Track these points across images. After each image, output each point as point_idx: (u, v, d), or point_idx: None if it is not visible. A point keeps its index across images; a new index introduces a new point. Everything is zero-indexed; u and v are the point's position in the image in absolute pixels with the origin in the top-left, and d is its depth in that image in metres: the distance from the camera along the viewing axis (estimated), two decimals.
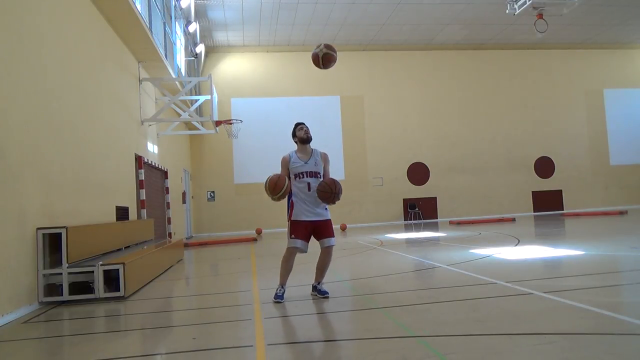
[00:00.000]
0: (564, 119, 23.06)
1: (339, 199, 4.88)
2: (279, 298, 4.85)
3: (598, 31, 21.41)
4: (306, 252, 4.95)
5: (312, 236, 5.01)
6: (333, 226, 5.14)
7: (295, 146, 5.17)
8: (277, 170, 5.11)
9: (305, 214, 4.93)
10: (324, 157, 5.16)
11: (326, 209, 5.06)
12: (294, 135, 5.16)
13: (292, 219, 4.98)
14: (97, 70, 8.30)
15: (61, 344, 4.11)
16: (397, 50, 21.90)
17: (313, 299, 4.96)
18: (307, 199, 4.94)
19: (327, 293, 4.98)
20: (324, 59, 5.13)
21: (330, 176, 5.08)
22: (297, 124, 5.19)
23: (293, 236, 4.91)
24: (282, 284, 4.97)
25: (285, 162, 5.06)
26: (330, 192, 4.79)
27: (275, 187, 4.80)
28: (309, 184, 4.95)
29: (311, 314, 4.44)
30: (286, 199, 5.04)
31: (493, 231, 13.12)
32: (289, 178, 5.00)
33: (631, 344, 3.12)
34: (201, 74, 19.53)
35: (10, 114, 5.12)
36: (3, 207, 4.85)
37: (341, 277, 6.57)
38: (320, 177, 5.04)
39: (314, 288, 5.10)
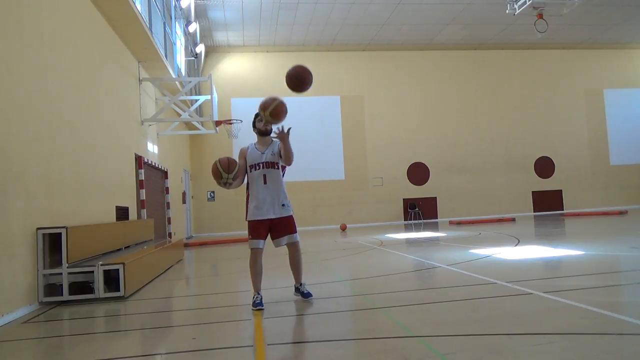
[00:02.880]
0: (564, 119, 23.06)
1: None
2: (258, 306, 4.52)
3: (598, 31, 21.41)
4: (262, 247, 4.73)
5: (269, 235, 4.75)
6: (295, 223, 4.85)
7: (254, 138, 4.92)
8: None
9: (261, 213, 4.66)
10: None
11: (284, 205, 4.73)
12: (253, 126, 4.85)
13: (248, 219, 4.70)
14: (97, 70, 8.30)
15: (61, 344, 4.11)
16: (397, 50, 21.90)
17: (296, 300, 4.86)
18: (263, 193, 4.66)
19: (310, 295, 4.80)
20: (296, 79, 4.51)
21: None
22: (257, 115, 4.78)
23: (251, 237, 4.69)
24: (257, 290, 4.65)
25: (243, 153, 4.82)
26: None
27: (229, 165, 4.52)
28: (265, 175, 4.67)
29: (311, 314, 4.43)
30: (245, 198, 4.81)
31: (493, 231, 13.12)
32: (246, 171, 4.76)
33: (631, 344, 3.11)
34: (201, 74, 19.54)
35: (10, 114, 5.12)
36: (3, 207, 4.84)
37: (341, 277, 6.57)
38: (278, 169, 4.74)
39: (297, 290, 4.93)
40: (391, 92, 21.88)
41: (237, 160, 4.73)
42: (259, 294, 4.67)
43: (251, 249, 4.74)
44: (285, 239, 4.79)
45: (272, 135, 4.70)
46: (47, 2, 6.39)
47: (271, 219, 4.70)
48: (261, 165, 4.71)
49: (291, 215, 4.81)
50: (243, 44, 20.44)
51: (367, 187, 21.33)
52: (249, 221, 4.74)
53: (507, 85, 22.74)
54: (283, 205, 4.74)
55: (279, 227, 4.75)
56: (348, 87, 21.57)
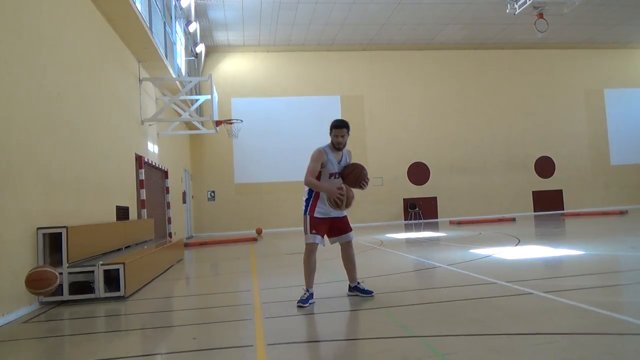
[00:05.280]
0: (564, 119, 23.05)
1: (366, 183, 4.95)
2: (304, 302, 4.59)
3: (598, 31, 21.40)
4: (324, 245, 4.90)
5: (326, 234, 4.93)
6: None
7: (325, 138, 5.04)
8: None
9: (329, 212, 4.84)
10: (350, 155, 5.14)
11: None
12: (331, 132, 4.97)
13: (315, 215, 4.81)
14: (97, 70, 8.30)
15: (61, 344, 4.11)
16: (397, 50, 21.89)
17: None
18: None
19: (371, 292, 4.88)
20: None
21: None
22: (340, 125, 4.93)
23: (314, 231, 4.77)
24: (308, 287, 4.73)
25: (322, 157, 4.86)
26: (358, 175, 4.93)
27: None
28: (340, 182, 4.92)
29: (311, 314, 4.43)
30: (307, 191, 4.90)
31: (493, 231, 13.12)
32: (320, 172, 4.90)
33: (631, 344, 3.12)
34: (201, 74, 19.54)
35: (10, 114, 5.12)
36: (4, 207, 4.85)
37: (341, 277, 6.56)
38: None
39: (355, 288, 4.96)
40: (391, 92, 21.88)
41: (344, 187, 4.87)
42: (308, 291, 4.74)
43: (309, 243, 4.80)
44: (345, 237, 4.97)
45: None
46: (47, 2, 6.39)
47: (333, 218, 4.92)
48: (337, 174, 4.97)
49: (346, 216, 5.09)
50: (243, 43, 20.43)
51: (367, 187, 21.27)
52: (314, 217, 4.82)
53: (507, 85, 22.73)
54: None
55: (341, 225, 4.97)
56: (348, 87, 21.56)
